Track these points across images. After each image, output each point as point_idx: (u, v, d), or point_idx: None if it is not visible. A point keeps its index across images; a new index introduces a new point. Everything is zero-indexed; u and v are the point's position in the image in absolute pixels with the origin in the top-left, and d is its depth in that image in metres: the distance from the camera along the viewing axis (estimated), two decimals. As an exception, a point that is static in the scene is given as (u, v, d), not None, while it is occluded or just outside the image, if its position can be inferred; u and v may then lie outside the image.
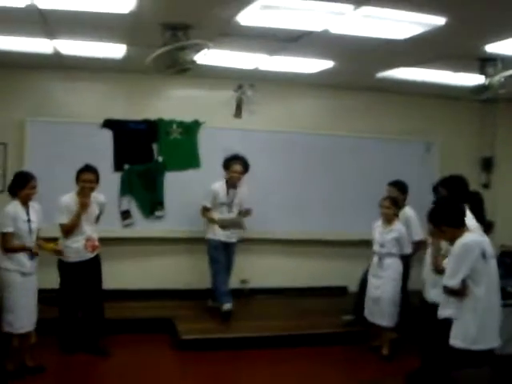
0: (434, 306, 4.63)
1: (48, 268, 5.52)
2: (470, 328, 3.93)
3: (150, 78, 6.62)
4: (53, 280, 5.54)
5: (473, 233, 4.04)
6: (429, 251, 4.98)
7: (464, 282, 3.92)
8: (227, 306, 6.33)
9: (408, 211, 6.05)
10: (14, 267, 4.79)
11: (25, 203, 4.94)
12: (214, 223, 6.46)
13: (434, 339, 4.21)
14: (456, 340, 3.99)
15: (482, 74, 5.65)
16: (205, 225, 6.60)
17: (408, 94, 7.56)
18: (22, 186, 4.91)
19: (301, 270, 7.57)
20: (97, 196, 5.59)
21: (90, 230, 5.53)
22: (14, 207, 4.87)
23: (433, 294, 4.76)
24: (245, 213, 6.55)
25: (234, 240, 6.61)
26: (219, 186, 6.48)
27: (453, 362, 3.94)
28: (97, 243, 5.58)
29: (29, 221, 4.92)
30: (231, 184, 6.48)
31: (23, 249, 4.85)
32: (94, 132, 6.84)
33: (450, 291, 4.01)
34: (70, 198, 5.45)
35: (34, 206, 5.06)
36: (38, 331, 5.51)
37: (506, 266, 6.05)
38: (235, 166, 6.43)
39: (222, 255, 6.51)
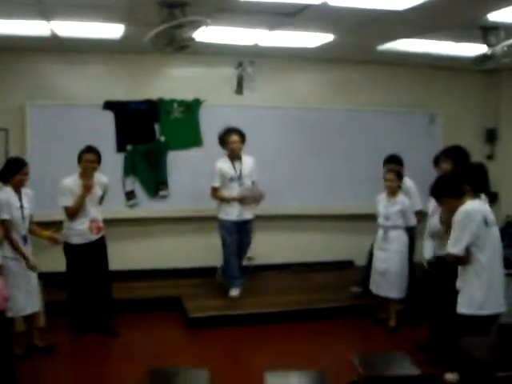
0: (435, 271, 4.71)
1: (55, 251, 5.57)
2: (476, 294, 3.99)
3: (150, 57, 6.60)
4: (60, 263, 5.58)
5: (474, 201, 4.06)
6: (428, 224, 5.04)
7: (468, 250, 3.96)
8: (234, 293, 6.41)
9: (407, 182, 6.03)
10: (10, 254, 4.78)
11: (17, 189, 4.92)
12: (228, 201, 6.30)
13: (439, 308, 4.25)
14: (462, 307, 4.05)
15: (484, 43, 5.58)
16: (217, 205, 6.45)
17: (410, 66, 7.50)
18: (14, 171, 4.88)
19: (306, 245, 7.60)
20: (99, 177, 5.60)
21: (94, 211, 5.55)
22: (7, 194, 4.84)
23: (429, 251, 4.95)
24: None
25: (249, 217, 6.42)
26: (223, 162, 6.33)
27: (460, 330, 4.00)
28: (101, 225, 5.60)
29: (21, 207, 4.91)
30: (234, 157, 6.32)
31: (23, 256, 4.82)
32: (95, 114, 6.82)
33: (454, 259, 4.05)
34: (72, 181, 5.46)
35: (26, 192, 5.05)
36: (48, 313, 5.62)
37: (511, 236, 6.07)
38: (232, 136, 6.27)
39: (234, 237, 6.35)
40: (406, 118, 7.67)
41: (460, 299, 4.07)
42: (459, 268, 4.10)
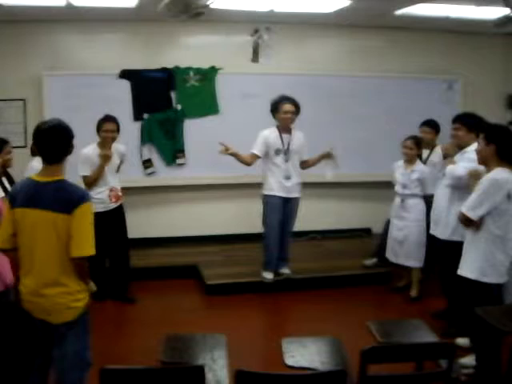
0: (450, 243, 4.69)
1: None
2: (482, 260, 3.96)
3: (165, 25, 6.54)
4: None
5: (505, 169, 3.91)
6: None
7: (482, 217, 3.90)
8: (269, 276, 5.97)
9: (439, 150, 5.87)
10: None
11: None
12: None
13: (454, 276, 4.24)
14: (465, 271, 4.06)
15: (506, 5, 5.43)
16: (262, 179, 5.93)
17: (428, 30, 7.33)
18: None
19: (323, 213, 7.61)
20: (117, 146, 5.63)
21: (113, 180, 5.59)
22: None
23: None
24: (327, 155, 5.93)
25: (296, 195, 5.91)
26: (270, 131, 5.75)
27: (467, 294, 4.04)
28: (120, 193, 5.65)
29: None
30: (284, 128, 5.75)
31: None
32: (111, 83, 6.82)
33: (465, 220, 3.99)
34: (91, 150, 5.48)
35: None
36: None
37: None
38: (286, 105, 5.70)
39: (279, 216, 5.81)
40: (424, 84, 7.52)
41: (465, 263, 4.06)
42: (468, 231, 4.07)
